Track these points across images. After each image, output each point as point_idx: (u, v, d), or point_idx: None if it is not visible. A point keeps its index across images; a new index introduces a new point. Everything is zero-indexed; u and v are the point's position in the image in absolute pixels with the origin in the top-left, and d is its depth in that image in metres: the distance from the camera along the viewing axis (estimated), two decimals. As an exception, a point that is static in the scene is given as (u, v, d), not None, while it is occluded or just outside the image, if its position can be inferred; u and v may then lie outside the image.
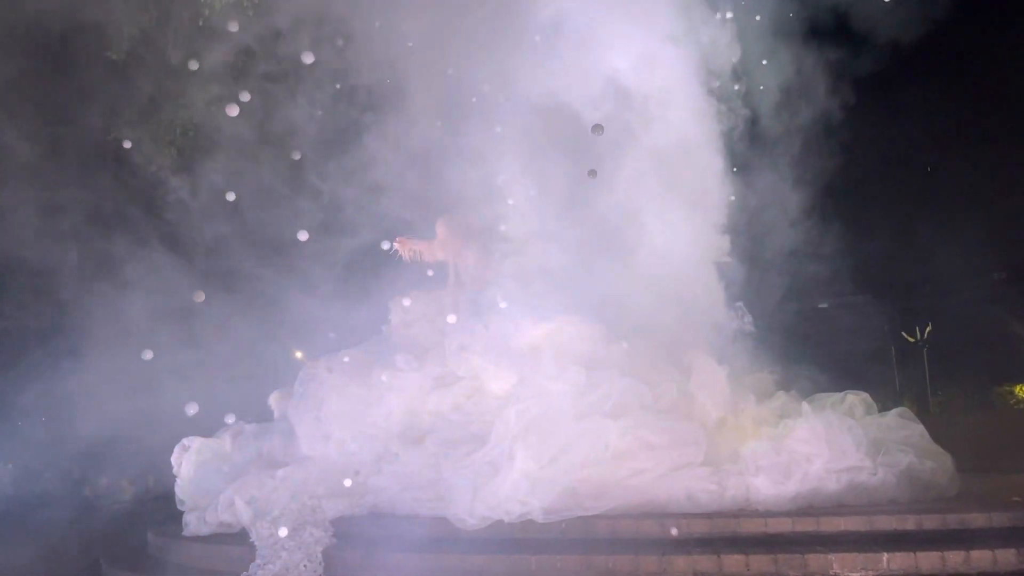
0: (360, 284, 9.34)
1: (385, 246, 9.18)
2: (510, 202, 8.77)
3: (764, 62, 9.81)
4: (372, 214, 9.33)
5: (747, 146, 9.81)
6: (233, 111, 7.88)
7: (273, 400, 9.26)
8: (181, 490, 8.34)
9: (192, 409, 6.79)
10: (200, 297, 8.10)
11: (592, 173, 7.58)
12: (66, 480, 18.17)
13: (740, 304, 9.23)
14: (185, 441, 8.69)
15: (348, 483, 7.13)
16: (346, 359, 8.33)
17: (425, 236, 9.74)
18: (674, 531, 6.05)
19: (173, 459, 8.62)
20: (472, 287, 9.28)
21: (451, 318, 8.38)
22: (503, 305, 8.16)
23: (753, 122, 10.00)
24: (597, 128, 7.52)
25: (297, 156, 9.33)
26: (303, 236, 7.79)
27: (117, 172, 12.86)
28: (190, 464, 8.44)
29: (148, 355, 7.86)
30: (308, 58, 8.39)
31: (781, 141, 9.94)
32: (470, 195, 9.05)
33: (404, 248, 9.58)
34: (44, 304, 14.00)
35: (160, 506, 9.54)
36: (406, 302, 9.19)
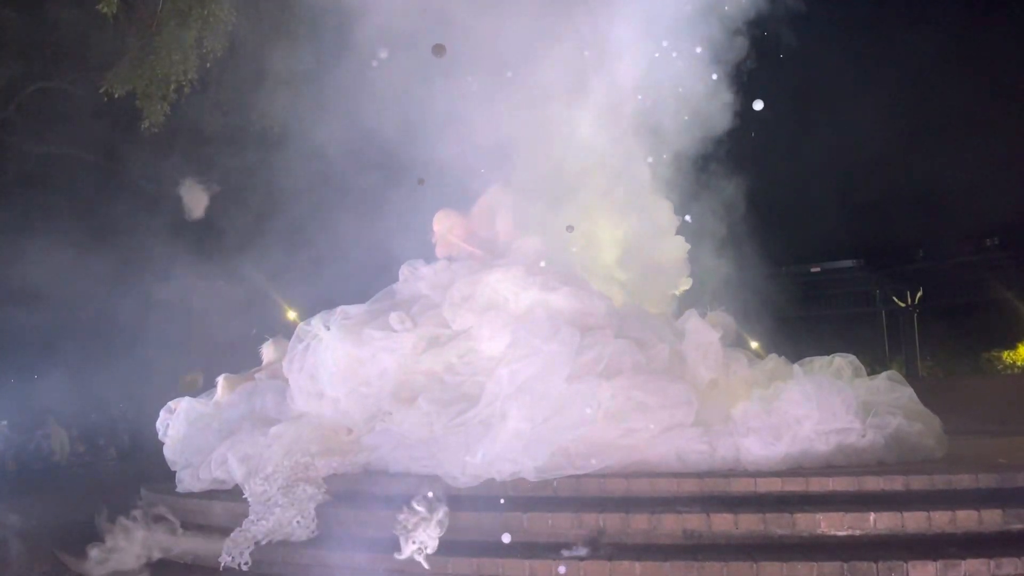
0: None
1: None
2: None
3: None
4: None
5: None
6: None
7: (265, 348, 9.20)
8: (171, 451, 8.30)
9: None
10: None
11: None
12: (60, 437, 18.27)
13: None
14: (171, 404, 8.63)
15: (346, 436, 7.18)
16: (341, 316, 8.25)
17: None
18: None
19: (159, 423, 8.55)
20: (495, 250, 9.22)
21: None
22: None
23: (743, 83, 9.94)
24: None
25: None
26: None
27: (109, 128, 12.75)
28: (180, 424, 8.39)
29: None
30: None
31: (773, 103, 9.87)
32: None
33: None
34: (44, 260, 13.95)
35: (153, 463, 9.56)
36: (415, 265, 9.12)
